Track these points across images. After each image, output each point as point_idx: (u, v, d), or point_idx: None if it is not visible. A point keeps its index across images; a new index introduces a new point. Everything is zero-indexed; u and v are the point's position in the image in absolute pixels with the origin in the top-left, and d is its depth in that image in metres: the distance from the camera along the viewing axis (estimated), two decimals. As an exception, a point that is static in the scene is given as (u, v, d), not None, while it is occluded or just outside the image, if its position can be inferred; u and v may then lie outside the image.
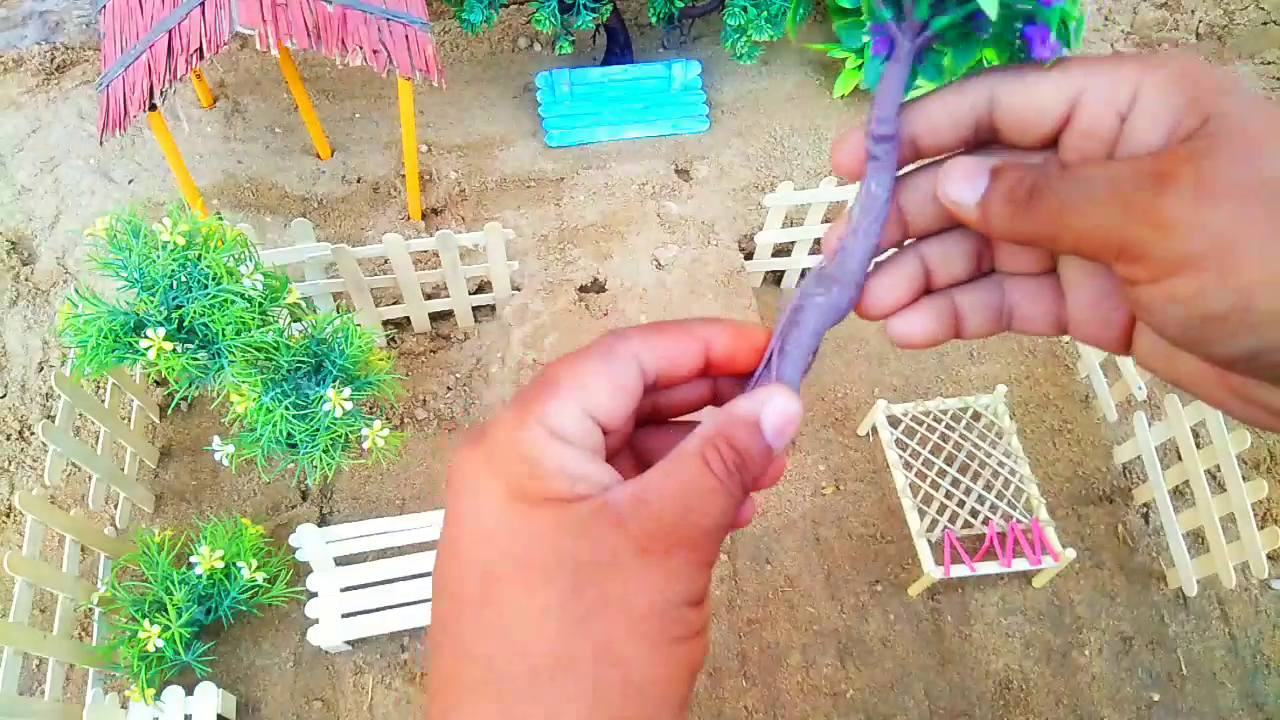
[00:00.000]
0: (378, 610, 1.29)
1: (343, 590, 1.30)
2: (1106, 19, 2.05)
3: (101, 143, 1.23)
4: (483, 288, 1.59)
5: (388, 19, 1.32)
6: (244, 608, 1.28)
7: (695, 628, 0.31)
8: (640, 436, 0.38)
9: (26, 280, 1.61)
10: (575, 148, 1.75)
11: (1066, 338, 1.64)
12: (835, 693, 1.32)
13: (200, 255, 1.03)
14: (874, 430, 1.52)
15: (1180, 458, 1.36)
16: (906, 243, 0.38)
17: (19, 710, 1.09)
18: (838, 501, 1.48)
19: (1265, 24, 2.07)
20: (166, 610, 1.20)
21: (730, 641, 1.35)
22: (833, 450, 1.53)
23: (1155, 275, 0.29)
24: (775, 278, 1.69)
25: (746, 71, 1.87)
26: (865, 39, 0.40)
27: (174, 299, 1.03)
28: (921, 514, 1.35)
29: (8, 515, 1.43)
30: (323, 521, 1.42)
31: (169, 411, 1.51)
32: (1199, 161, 0.29)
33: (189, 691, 1.21)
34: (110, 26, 1.32)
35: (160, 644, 1.17)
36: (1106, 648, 1.37)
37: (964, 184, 0.35)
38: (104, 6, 1.35)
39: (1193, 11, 2.08)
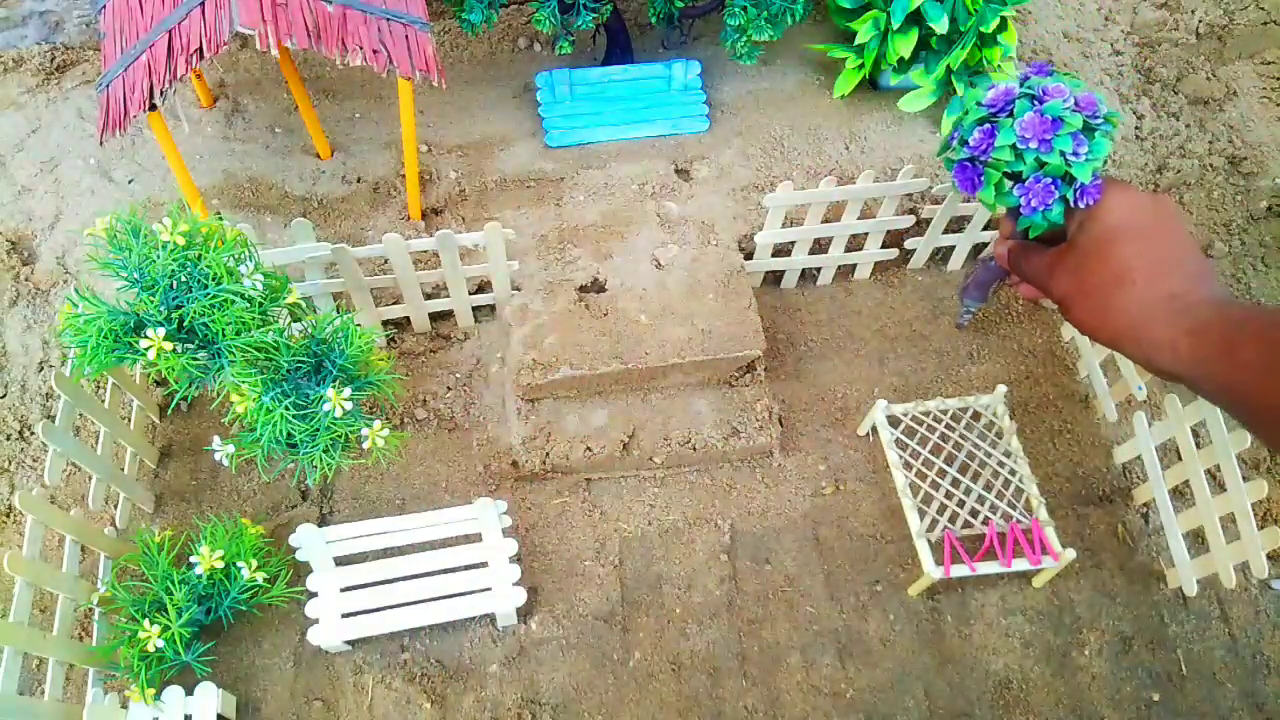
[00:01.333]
0: (378, 610, 1.29)
1: (343, 590, 1.30)
2: (1107, 19, 2.05)
3: (101, 143, 1.23)
4: (483, 288, 1.59)
5: (388, 19, 1.32)
6: (244, 608, 1.28)
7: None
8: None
9: (26, 280, 1.61)
10: (575, 148, 1.75)
11: (1067, 339, 1.64)
12: (835, 693, 1.32)
13: (200, 255, 1.03)
14: (874, 430, 1.52)
15: (1180, 458, 1.36)
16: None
17: (19, 710, 1.09)
18: (838, 501, 1.48)
19: (1265, 24, 2.07)
20: (166, 610, 1.20)
21: (730, 641, 1.35)
22: (833, 450, 1.53)
23: (1056, 302, 0.87)
24: (775, 278, 1.69)
25: (746, 71, 1.87)
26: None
27: (174, 299, 1.03)
28: (921, 514, 1.35)
29: (8, 515, 1.43)
30: (323, 521, 1.42)
31: (169, 411, 1.51)
32: (1060, 259, 0.89)
33: (189, 691, 1.21)
34: (110, 26, 1.32)
35: (160, 644, 1.17)
36: (1106, 648, 1.37)
37: (1001, 250, 0.97)
38: (104, 6, 1.36)
39: (1193, 11, 2.08)
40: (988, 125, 0.98)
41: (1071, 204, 0.93)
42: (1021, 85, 0.98)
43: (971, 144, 0.98)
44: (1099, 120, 0.95)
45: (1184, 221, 0.98)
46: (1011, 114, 0.96)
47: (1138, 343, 0.87)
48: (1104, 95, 1.90)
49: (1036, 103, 0.96)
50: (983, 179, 0.99)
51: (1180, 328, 0.84)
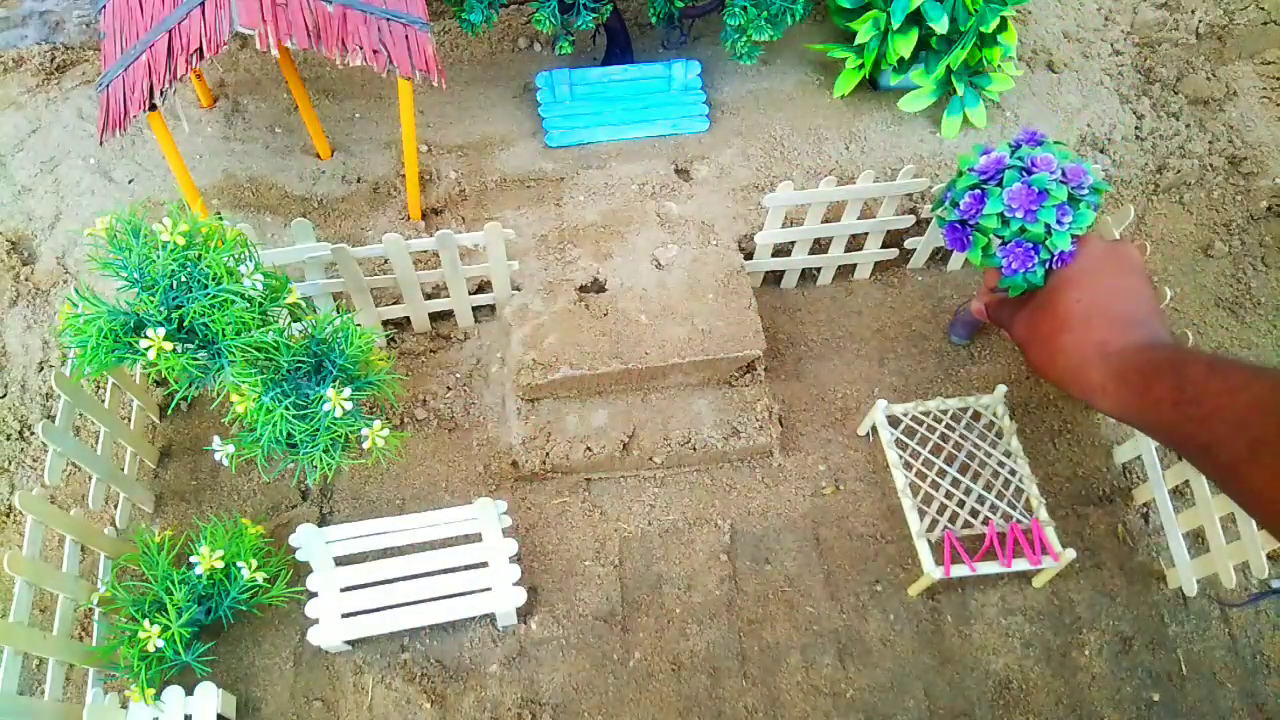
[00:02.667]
0: (378, 610, 1.29)
1: (343, 590, 1.30)
2: (1107, 19, 2.05)
3: (101, 143, 1.23)
4: (483, 288, 1.59)
5: (388, 19, 1.32)
6: (244, 608, 1.28)
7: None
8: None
9: (26, 280, 1.61)
10: (575, 148, 1.75)
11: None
12: (835, 693, 1.32)
13: (200, 255, 1.03)
14: (874, 430, 1.52)
15: (1180, 457, 1.36)
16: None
17: (19, 710, 1.09)
18: (838, 501, 1.48)
19: (1265, 24, 2.07)
20: (166, 610, 1.20)
21: (730, 641, 1.35)
22: (833, 450, 1.53)
23: (1019, 345, 1.08)
24: (775, 278, 1.69)
25: (746, 71, 1.87)
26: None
27: (174, 299, 1.03)
28: (921, 514, 1.35)
29: (8, 515, 1.43)
30: (323, 521, 1.42)
31: (169, 411, 1.52)
32: (1022, 306, 1.06)
33: (189, 691, 1.21)
34: (110, 26, 1.32)
35: (160, 644, 1.18)
36: (1106, 648, 1.37)
37: (979, 306, 1.19)
38: (104, 6, 1.36)
39: (1193, 11, 2.08)
40: (978, 191, 1.01)
41: (1050, 267, 0.97)
42: (1012, 154, 1.01)
43: (962, 208, 1.02)
44: (1084, 191, 0.98)
45: (1133, 267, 0.96)
46: (1001, 183, 0.99)
47: (1077, 386, 0.91)
48: (1105, 95, 1.90)
49: (1025, 174, 0.98)
50: (971, 240, 1.03)
51: (1108, 372, 0.87)
